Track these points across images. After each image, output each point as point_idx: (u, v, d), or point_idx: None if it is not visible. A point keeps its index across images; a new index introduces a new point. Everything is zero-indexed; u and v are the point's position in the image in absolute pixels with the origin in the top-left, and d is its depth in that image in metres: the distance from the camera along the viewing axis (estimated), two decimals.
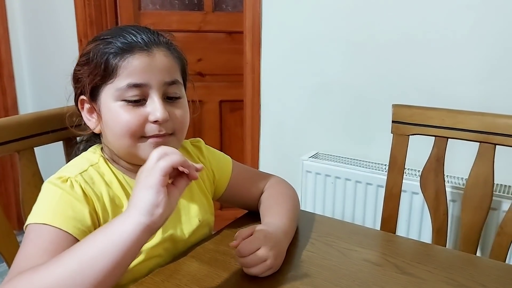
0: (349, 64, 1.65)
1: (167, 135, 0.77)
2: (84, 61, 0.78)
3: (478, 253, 1.32)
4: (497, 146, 1.07)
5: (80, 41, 2.22)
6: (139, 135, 0.76)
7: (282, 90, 1.83)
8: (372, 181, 1.54)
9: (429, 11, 1.47)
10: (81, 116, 0.82)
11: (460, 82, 1.47)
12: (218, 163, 0.96)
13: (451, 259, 0.86)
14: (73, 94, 0.83)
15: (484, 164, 1.09)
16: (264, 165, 1.94)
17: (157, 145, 0.74)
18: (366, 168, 1.58)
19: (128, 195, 0.78)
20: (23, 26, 2.44)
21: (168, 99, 0.78)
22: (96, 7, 2.21)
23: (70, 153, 0.92)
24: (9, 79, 2.50)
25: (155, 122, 0.75)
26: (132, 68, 0.74)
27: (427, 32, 1.49)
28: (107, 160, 0.81)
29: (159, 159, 0.62)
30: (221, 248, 0.86)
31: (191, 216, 0.87)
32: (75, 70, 0.81)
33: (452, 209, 1.41)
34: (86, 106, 0.81)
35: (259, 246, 0.74)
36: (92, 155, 0.82)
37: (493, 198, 1.11)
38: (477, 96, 1.44)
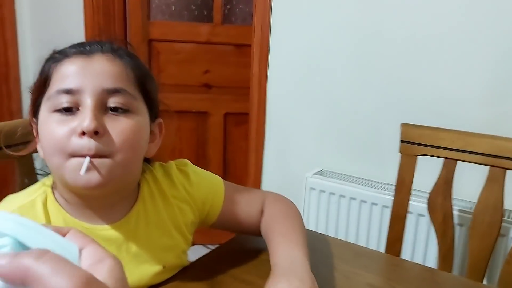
0: (358, 81, 1.63)
1: (97, 157, 0.61)
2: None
3: (486, 281, 1.28)
4: (507, 170, 1.04)
5: None
6: (67, 153, 0.61)
7: (288, 104, 1.81)
8: (377, 201, 1.51)
9: (439, 31, 1.45)
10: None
11: (469, 103, 1.44)
12: (208, 189, 0.82)
13: (458, 287, 0.83)
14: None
15: (494, 189, 1.06)
16: (267, 180, 1.91)
17: (84, 167, 0.60)
18: (372, 187, 1.55)
19: None
20: (32, 31, 2.45)
21: (113, 112, 0.64)
22: (105, 14, 2.20)
23: None
24: (15, 83, 2.49)
25: (82, 134, 0.60)
26: (64, 72, 0.64)
27: (437, 51, 1.47)
28: (54, 194, 0.70)
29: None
30: (218, 267, 0.83)
31: (152, 264, 0.73)
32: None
33: (459, 233, 1.37)
34: (34, 130, 0.69)
35: None
36: (41, 187, 0.71)
37: (502, 224, 1.07)
38: (487, 118, 1.41)
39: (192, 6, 2.29)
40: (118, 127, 0.63)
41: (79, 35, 2.23)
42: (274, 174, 1.89)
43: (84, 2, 2.19)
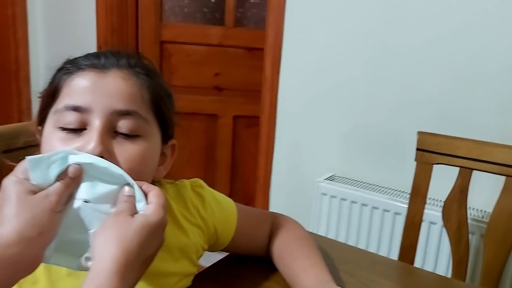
0: (371, 86, 1.63)
1: None
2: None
3: None
4: None
5: (99, 48, 2.22)
6: None
7: (299, 109, 1.81)
8: (389, 208, 1.50)
9: (455, 38, 1.45)
10: None
11: (484, 111, 1.44)
12: (222, 216, 0.79)
13: None
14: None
15: (510, 199, 1.05)
16: (277, 185, 1.91)
17: None
18: (384, 194, 1.55)
19: None
20: (43, 30, 2.45)
21: (123, 136, 0.60)
22: (118, 15, 2.21)
23: None
24: (25, 82, 2.50)
25: None
26: (75, 87, 0.60)
27: (453, 58, 1.47)
28: None
29: None
30: (235, 270, 0.83)
31: None
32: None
33: (470, 241, 1.37)
34: (39, 140, 0.64)
35: None
36: None
37: None
38: (500, 126, 1.41)
39: (205, 9, 2.30)
40: (125, 154, 0.59)
41: (91, 36, 2.23)
42: (284, 179, 1.89)
43: (96, 2, 2.20)
